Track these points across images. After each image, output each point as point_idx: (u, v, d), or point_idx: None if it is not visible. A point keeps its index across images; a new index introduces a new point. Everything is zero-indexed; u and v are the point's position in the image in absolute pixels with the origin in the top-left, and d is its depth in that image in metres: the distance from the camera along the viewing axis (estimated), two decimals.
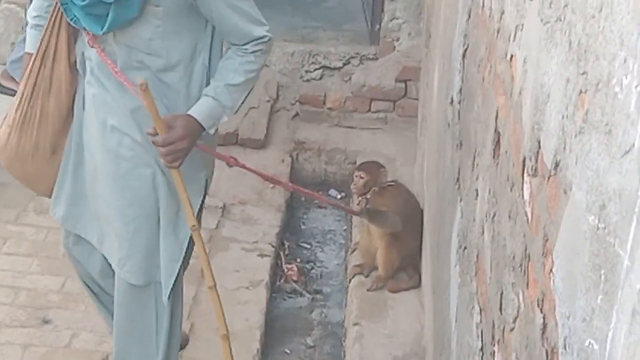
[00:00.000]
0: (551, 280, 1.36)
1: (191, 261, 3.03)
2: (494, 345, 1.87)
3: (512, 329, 1.68)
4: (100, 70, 2.65)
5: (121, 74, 2.58)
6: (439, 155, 3.31)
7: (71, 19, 2.58)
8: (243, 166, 2.87)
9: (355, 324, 3.70)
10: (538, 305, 1.44)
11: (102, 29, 2.52)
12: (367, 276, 4.00)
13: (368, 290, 3.91)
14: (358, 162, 4.64)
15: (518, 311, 1.62)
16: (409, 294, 3.91)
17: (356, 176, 3.97)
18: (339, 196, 5.15)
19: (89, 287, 3.09)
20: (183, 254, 2.79)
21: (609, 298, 1.06)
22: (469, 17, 2.64)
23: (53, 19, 2.66)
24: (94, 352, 3.37)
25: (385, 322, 3.72)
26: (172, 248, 2.77)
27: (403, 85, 5.48)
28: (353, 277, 4.04)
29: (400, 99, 5.51)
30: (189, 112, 2.60)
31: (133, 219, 2.74)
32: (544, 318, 1.40)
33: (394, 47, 5.50)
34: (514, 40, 1.84)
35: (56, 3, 2.62)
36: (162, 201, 2.73)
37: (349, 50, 5.54)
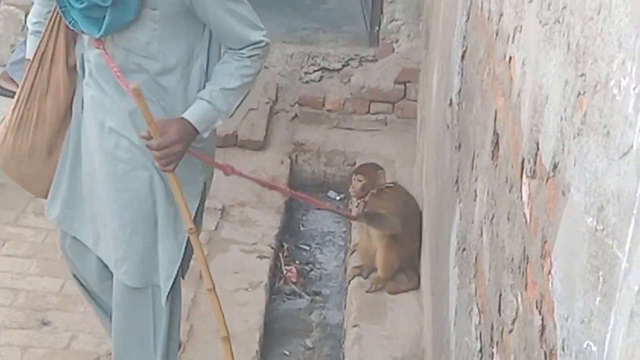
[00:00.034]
0: (550, 282, 1.36)
1: (190, 263, 3.03)
2: (492, 346, 1.87)
3: (510, 331, 1.68)
4: (98, 73, 2.66)
5: (122, 76, 2.59)
6: (438, 157, 3.31)
7: (69, 22, 2.59)
8: (240, 174, 2.86)
9: (354, 326, 3.70)
10: (536, 307, 1.44)
11: (99, 31, 2.53)
12: (366, 278, 4.00)
13: (367, 291, 3.90)
14: (357, 164, 4.63)
15: (517, 313, 1.62)
16: (408, 296, 3.90)
17: (354, 179, 3.97)
18: (338, 198, 5.14)
19: (82, 285, 3.08)
20: (181, 256, 2.79)
21: (607, 300, 1.06)
22: (468, 18, 2.64)
23: (52, 22, 2.67)
24: (92, 353, 3.37)
25: (385, 323, 3.72)
26: (170, 250, 2.77)
27: (402, 86, 5.47)
28: (352, 278, 4.04)
29: (399, 101, 5.51)
30: (184, 116, 2.60)
31: (130, 221, 2.74)
32: (542, 320, 1.40)
33: (393, 49, 5.49)
34: (512, 42, 1.84)
35: (55, 7, 2.63)
36: (160, 203, 2.73)
37: (348, 52, 5.53)
